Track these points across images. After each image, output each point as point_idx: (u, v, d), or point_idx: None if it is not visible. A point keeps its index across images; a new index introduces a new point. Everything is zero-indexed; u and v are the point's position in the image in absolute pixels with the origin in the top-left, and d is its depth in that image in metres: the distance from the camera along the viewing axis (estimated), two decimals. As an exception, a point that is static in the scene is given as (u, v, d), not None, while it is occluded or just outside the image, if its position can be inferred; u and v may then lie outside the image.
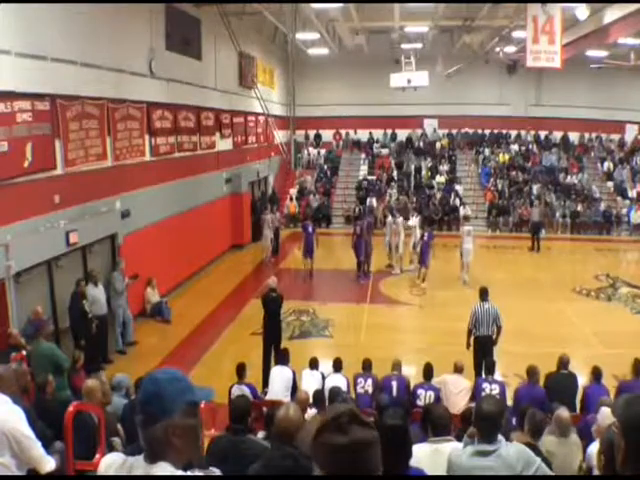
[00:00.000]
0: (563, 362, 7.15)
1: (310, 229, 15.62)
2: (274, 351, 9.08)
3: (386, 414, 3.00)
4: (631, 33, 14.34)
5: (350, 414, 1.51)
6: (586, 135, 26.39)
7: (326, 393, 6.50)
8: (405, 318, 12.91)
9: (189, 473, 1.86)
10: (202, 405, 6.28)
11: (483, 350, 8.64)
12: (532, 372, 6.88)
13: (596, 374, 6.91)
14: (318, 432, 1.53)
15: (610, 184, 23.96)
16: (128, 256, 11.08)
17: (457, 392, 7.02)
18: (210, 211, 16.32)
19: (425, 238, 14.74)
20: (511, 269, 16.50)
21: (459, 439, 3.98)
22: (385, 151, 26.84)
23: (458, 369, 7.30)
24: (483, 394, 6.68)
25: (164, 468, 1.75)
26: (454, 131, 27.18)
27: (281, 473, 2.74)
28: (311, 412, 5.90)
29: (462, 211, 22.48)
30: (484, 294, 9.00)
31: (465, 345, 8.86)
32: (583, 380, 7.30)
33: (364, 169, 26.12)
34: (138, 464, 1.80)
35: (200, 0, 14.49)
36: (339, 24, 18.76)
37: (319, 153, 27.09)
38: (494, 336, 8.79)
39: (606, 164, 24.76)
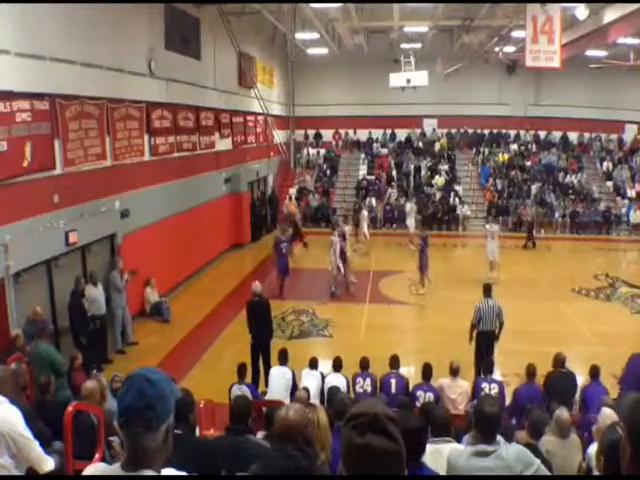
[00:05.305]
0: (559, 360, 7.11)
1: (284, 250, 14.26)
2: (262, 357, 9.03)
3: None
4: (630, 33, 14.35)
5: (371, 418, 1.46)
6: (585, 135, 26.41)
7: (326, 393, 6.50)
8: (405, 318, 12.90)
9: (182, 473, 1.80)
10: (201, 405, 6.18)
11: (486, 345, 8.72)
12: (531, 371, 6.88)
13: (594, 373, 6.90)
14: (344, 423, 1.51)
15: (609, 184, 23.98)
16: (127, 256, 11.07)
17: (454, 397, 6.96)
18: (209, 211, 16.31)
19: (422, 243, 14.11)
20: (511, 269, 16.47)
21: (459, 439, 3.98)
22: (384, 151, 26.84)
23: (454, 371, 7.11)
24: (482, 393, 6.68)
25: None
26: (453, 131, 27.19)
27: (281, 474, 2.74)
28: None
29: (460, 211, 22.47)
30: (488, 291, 9.08)
31: (468, 340, 8.90)
32: (582, 379, 7.30)
33: (363, 169, 26.11)
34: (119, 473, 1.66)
35: (200, 0, 14.47)
36: (338, 24, 18.73)
37: (318, 153, 27.08)
38: (496, 331, 8.87)
39: (605, 164, 24.77)
